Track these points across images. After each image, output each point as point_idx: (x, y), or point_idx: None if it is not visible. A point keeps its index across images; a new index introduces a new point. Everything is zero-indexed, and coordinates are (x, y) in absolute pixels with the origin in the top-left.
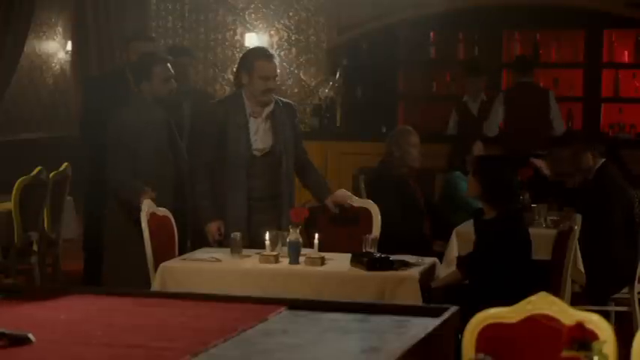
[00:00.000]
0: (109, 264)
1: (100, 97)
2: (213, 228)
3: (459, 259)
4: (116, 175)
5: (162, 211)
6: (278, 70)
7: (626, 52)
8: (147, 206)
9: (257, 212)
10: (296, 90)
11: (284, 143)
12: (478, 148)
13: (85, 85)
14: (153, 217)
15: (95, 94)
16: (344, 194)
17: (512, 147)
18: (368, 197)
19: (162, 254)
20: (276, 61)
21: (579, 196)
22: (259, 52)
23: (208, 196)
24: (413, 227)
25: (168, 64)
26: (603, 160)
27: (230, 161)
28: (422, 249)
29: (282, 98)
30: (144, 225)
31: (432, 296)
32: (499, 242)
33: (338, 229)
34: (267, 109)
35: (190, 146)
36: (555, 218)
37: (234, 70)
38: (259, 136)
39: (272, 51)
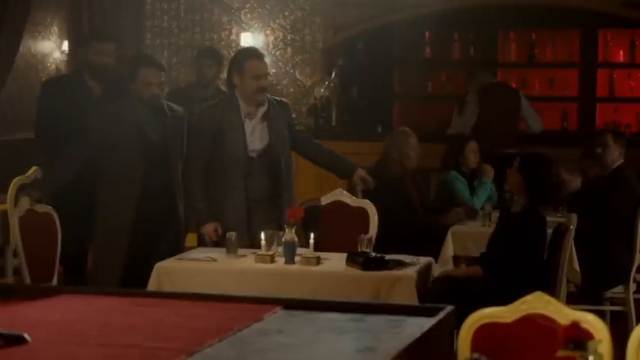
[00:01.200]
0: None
1: (56, 100)
2: (209, 229)
3: (482, 255)
4: (64, 155)
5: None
6: (270, 69)
7: (621, 52)
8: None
9: (256, 213)
10: (292, 90)
11: (281, 142)
12: (471, 148)
13: (41, 89)
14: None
15: (51, 97)
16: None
17: (483, 144)
18: (364, 197)
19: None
20: (267, 59)
21: (585, 192)
22: (249, 52)
23: (203, 198)
24: (410, 227)
25: (156, 70)
26: (622, 161)
27: (227, 163)
28: (419, 248)
29: (275, 97)
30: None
31: (433, 290)
32: (522, 234)
33: (335, 228)
34: (262, 109)
35: (186, 148)
36: (551, 219)
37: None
38: (255, 137)
39: (267, 51)
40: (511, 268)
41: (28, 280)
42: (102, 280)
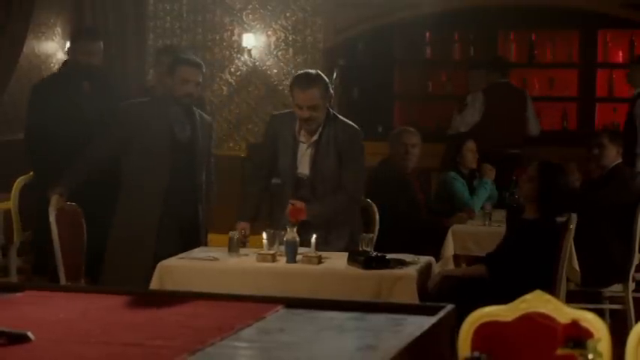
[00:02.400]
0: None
1: (48, 101)
2: (238, 227)
3: (488, 255)
4: (86, 152)
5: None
6: (272, 70)
7: (620, 53)
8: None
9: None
10: None
11: (321, 174)
12: (469, 148)
13: (32, 90)
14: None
15: (43, 97)
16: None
17: (486, 144)
18: (368, 196)
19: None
20: (269, 60)
21: (584, 191)
22: (295, 81)
23: (250, 199)
24: (415, 225)
25: (195, 68)
26: (620, 160)
27: (277, 175)
28: (419, 247)
29: (347, 121)
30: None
31: (434, 290)
32: (536, 243)
33: None
34: (313, 137)
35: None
36: None
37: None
38: (301, 161)
39: (269, 51)
40: (519, 274)
41: (64, 280)
42: (122, 280)
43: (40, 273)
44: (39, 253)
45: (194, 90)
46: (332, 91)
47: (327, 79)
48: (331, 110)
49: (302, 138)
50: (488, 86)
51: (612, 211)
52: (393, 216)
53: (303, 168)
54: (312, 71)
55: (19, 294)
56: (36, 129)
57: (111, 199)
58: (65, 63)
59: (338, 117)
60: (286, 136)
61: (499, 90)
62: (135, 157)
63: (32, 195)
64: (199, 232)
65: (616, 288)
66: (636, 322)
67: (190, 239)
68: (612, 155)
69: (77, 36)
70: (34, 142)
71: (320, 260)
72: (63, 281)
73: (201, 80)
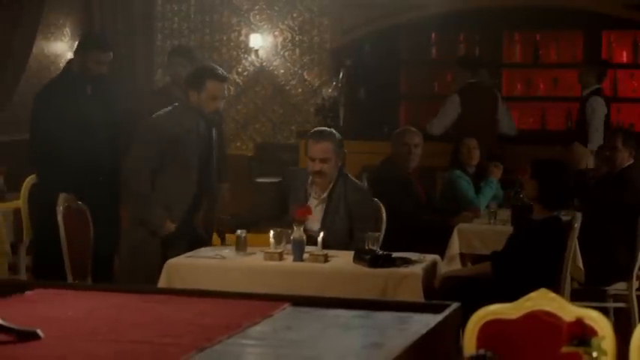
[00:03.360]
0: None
1: (54, 105)
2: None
3: (495, 253)
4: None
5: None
6: (279, 70)
7: (624, 53)
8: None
9: None
10: (300, 90)
11: (332, 229)
12: (469, 146)
13: (36, 97)
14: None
15: (48, 103)
16: None
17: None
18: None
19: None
20: (276, 60)
21: (592, 189)
22: (310, 134)
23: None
24: (419, 224)
25: (223, 83)
26: (632, 162)
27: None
28: (425, 246)
29: (357, 182)
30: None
31: (440, 289)
32: (542, 244)
33: None
34: (324, 193)
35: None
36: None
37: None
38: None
39: (276, 51)
40: (524, 273)
41: (70, 278)
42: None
43: (40, 275)
44: (39, 254)
45: (220, 104)
46: (345, 150)
47: (340, 137)
48: (343, 169)
49: (313, 194)
50: (461, 87)
51: (618, 211)
52: (396, 215)
53: (313, 224)
54: (327, 128)
55: (28, 292)
56: (40, 132)
57: (114, 199)
58: (69, 63)
59: (349, 177)
60: (298, 190)
61: (471, 91)
62: (167, 170)
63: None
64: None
65: (620, 286)
66: None
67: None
68: (625, 157)
69: (90, 44)
70: (37, 143)
71: (326, 259)
72: (70, 279)
73: (226, 94)
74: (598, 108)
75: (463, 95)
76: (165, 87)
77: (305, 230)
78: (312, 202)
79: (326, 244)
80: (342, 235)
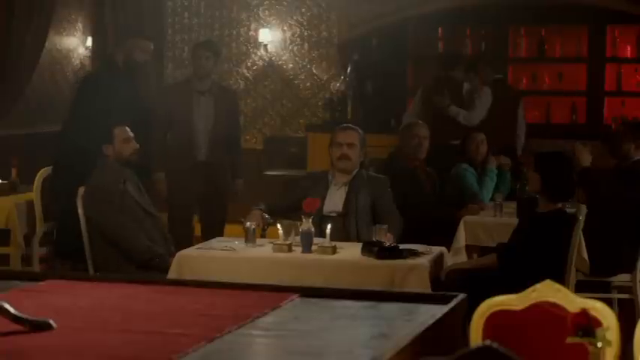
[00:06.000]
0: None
1: (99, 95)
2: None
3: (501, 245)
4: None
5: None
6: (288, 64)
7: (628, 47)
8: None
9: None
10: (308, 84)
11: (355, 209)
12: (475, 140)
13: (82, 83)
14: None
15: (93, 91)
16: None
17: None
18: None
19: None
20: (285, 55)
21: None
22: (336, 128)
23: (273, 209)
24: (425, 216)
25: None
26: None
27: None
28: (431, 238)
29: (374, 175)
30: None
31: (447, 281)
32: (547, 236)
33: None
34: (347, 177)
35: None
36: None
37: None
38: (331, 200)
39: (285, 46)
40: (529, 265)
41: (92, 270)
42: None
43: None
44: (60, 240)
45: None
46: (366, 148)
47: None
48: (364, 165)
49: (334, 181)
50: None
51: (624, 204)
52: (404, 207)
53: (335, 206)
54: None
55: (41, 283)
56: (80, 119)
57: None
58: (111, 57)
59: (368, 171)
60: (318, 185)
61: (435, 83)
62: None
63: (56, 182)
64: None
65: (624, 278)
66: None
67: None
68: (631, 148)
69: (130, 33)
70: (73, 130)
71: (335, 250)
72: (91, 271)
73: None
74: None
75: (427, 90)
76: (188, 79)
77: (323, 216)
78: (333, 189)
79: (348, 223)
80: (365, 212)
